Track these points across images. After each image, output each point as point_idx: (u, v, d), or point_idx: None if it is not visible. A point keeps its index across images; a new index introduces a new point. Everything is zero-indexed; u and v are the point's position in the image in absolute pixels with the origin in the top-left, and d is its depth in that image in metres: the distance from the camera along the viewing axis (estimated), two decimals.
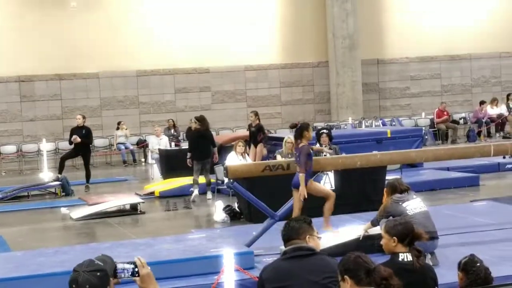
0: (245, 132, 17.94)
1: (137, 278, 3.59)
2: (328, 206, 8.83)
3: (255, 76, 23.50)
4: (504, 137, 22.88)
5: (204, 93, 23.10)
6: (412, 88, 24.98)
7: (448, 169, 14.91)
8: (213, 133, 22.29)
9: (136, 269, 3.59)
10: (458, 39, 25.01)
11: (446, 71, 25.24)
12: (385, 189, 8.07)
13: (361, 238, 8.15)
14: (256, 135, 15.13)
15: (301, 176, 8.54)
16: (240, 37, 22.91)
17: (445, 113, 23.09)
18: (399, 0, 24.53)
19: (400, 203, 7.72)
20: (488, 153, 9.70)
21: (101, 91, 22.28)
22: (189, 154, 14.11)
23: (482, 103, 23.79)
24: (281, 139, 14.21)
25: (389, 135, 15.75)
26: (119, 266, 3.60)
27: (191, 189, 13.79)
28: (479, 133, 23.17)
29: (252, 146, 15.74)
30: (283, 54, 23.62)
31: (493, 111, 23.56)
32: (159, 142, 19.63)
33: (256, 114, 15.70)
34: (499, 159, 15.06)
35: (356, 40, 23.33)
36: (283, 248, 4.79)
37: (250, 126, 15.94)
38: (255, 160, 14.27)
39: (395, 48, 24.51)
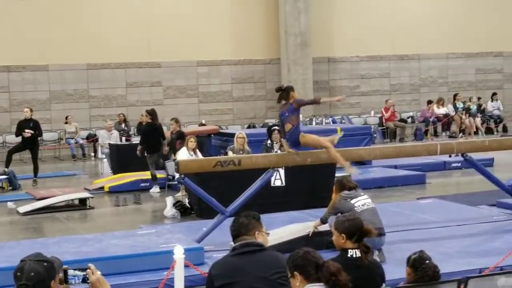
0: (197, 128, 17.91)
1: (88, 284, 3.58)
2: (333, 153, 8.68)
3: (207, 72, 23.49)
4: (450, 137, 23.35)
5: (156, 88, 23.00)
6: (361, 87, 25.27)
7: (395, 167, 15.18)
8: (164, 128, 22.24)
9: (87, 276, 3.57)
10: (407, 39, 25.39)
11: (395, 70, 25.60)
12: (334, 187, 8.19)
13: (310, 235, 8.27)
14: (175, 143, 14.83)
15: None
16: (192, 32, 22.85)
17: (391, 110, 23.38)
18: (349, 0, 24.74)
19: (349, 200, 7.86)
20: (435, 151, 9.91)
21: (51, 84, 21.99)
22: (139, 146, 14.24)
23: (429, 102, 24.23)
24: (232, 135, 14.29)
25: (339, 133, 15.90)
26: (70, 272, 3.58)
27: (152, 185, 13.97)
28: (426, 132, 23.60)
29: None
30: (235, 50, 23.65)
31: (439, 110, 24.00)
32: (109, 137, 19.49)
33: (177, 121, 15.23)
34: (445, 158, 15.31)
35: (308, 38, 23.49)
36: (232, 244, 4.82)
37: (171, 133, 15.26)
38: None
39: (346, 47, 24.75)
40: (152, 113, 14.59)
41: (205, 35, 23.03)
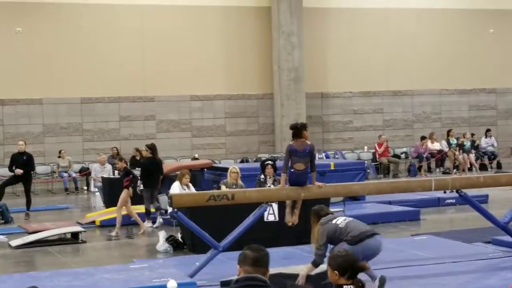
0: (190, 162, 17.87)
1: None
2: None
3: (201, 106, 23.53)
4: (444, 173, 23.36)
5: (149, 121, 23.01)
6: (355, 122, 25.34)
7: (390, 203, 15.12)
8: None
9: None
10: (400, 75, 25.55)
11: (389, 106, 25.70)
12: (311, 219, 8.12)
13: (300, 283, 7.78)
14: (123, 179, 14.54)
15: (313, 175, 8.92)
16: (186, 66, 22.96)
17: (384, 146, 23.43)
18: (344, 35, 24.92)
19: (329, 222, 7.87)
20: (430, 187, 9.88)
21: (44, 118, 21.99)
22: (139, 182, 14.12)
23: (423, 138, 24.27)
24: (225, 170, 14.22)
25: (332, 168, 15.90)
26: None
27: (146, 219, 13.80)
28: (419, 168, 23.62)
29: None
30: (229, 85, 23.75)
31: (433, 146, 24.04)
32: (102, 170, 19.42)
33: (138, 150, 15.10)
34: (439, 194, 15.33)
35: (301, 73, 23.61)
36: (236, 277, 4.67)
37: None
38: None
39: (339, 82, 24.88)
40: (152, 148, 14.57)
41: (198, 70, 23.14)
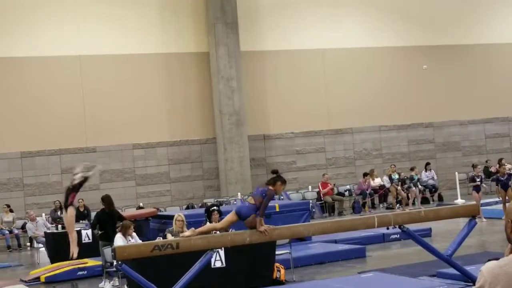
0: (135, 212, 17.68)
1: None
2: None
3: (143, 154, 23.41)
4: (387, 208, 23.67)
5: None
6: (298, 162, 25.53)
7: (336, 241, 15.22)
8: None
9: None
10: (340, 114, 25.92)
11: (330, 144, 26.00)
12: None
13: None
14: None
15: (258, 220, 8.87)
16: (127, 115, 22.89)
17: (328, 184, 23.71)
18: (282, 76, 25.22)
19: None
20: (373, 225, 10.01)
21: None
22: (96, 231, 13.62)
23: (365, 175, 24.59)
24: (170, 217, 14.12)
25: (277, 210, 15.93)
26: None
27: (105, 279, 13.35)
28: (363, 205, 23.87)
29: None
30: (171, 132, 23.72)
31: (375, 182, 24.36)
32: (36, 226, 19.08)
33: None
34: (383, 230, 15.49)
35: (243, 116, 23.76)
36: None
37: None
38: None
39: (281, 123, 25.10)
40: (106, 199, 14.08)
41: (140, 118, 23.08)
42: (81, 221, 19.26)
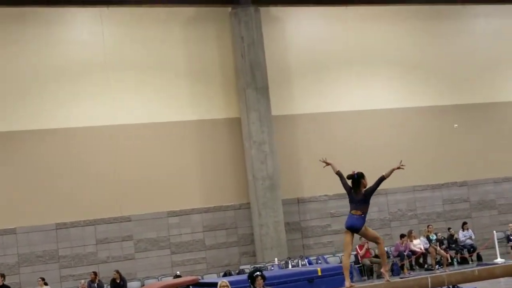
0: (174, 280, 17.48)
1: None
2: (381, 250, 10.86)
3: (178, 222, 23.29)
4: (426, 269, 23.18)
5: (127, 242, 22.62)
6: (333, 225, 25.24)
7: None
8: (138, 283, 21.72)
9: None
10: (373, 175, 25.56)
11: None
12: None
13: None
14: None
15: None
16: (161, 182, 22.87)
17: (364, 245, 23.32)
18: (313, 139, 25.17)
19: None
20: (426, 285, 9.79)
21: (19, 247, 21.51)
22: None
23: (402, 236, 24.18)
24: (213, 285, 13.97)
25: (319, 274, 15.73)
26: None
27: None
28: (402, 267, 23.43)
29: None
30: (205, 198, 23.61)
31: (416, 243, 23.92)
32: None
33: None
34: None
35: (276, 180, 23.64)
36: None
37: None
38: None
39: (314, 186, 24.91)
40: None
41: (173, 186, 23.05)
42: None
